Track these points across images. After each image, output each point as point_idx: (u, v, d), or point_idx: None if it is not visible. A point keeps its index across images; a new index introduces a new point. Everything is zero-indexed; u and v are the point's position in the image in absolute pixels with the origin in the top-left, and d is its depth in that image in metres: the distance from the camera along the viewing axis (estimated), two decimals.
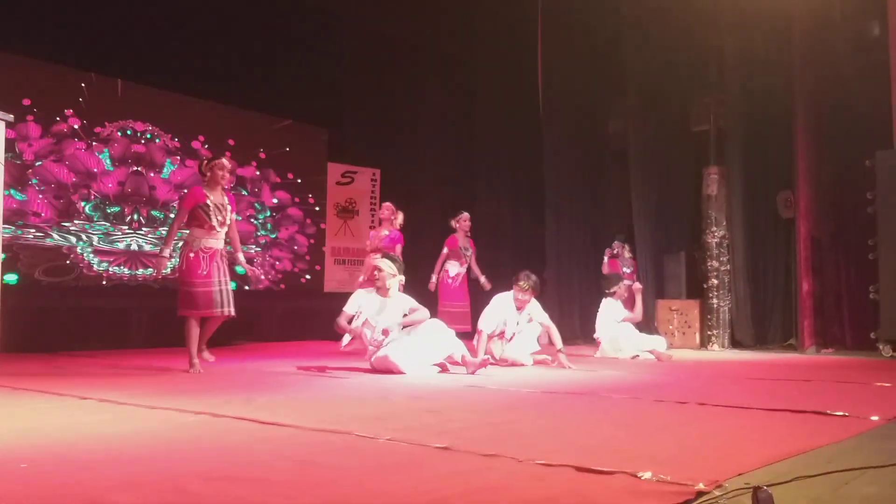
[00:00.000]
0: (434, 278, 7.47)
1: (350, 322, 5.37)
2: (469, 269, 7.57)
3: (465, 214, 7.62)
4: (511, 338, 6.14)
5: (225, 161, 5.51)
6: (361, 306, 5.42)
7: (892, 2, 7.30)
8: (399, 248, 7.05)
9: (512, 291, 6.09)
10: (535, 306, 6.14)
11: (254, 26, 8.92)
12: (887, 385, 4.47)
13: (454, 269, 7.51)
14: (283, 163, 9.60)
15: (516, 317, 6.12)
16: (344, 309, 5.43)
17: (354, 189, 10.31)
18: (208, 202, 5.33)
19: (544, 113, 9.47)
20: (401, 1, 9.38)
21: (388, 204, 7.43)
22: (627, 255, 8.77)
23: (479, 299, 7.06)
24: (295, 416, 3.12)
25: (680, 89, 9.07)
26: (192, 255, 5.27)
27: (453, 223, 7.58)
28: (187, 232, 5.36)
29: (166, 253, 5.40)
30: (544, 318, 6.13)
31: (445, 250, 7.54)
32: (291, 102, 9.46)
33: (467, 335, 6.37)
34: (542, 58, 9.43)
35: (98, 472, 2.16)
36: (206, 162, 5.56)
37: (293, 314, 9.36)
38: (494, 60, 10.08)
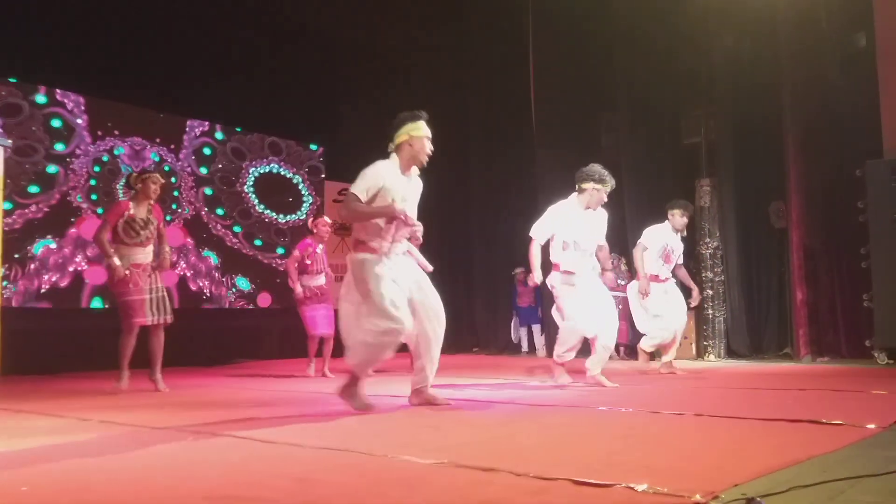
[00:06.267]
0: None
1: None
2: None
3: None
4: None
5: (158, 175, 5.40)
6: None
7: (879, 13, 7.39)
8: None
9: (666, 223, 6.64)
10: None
11: (249, 47, 8.99)
12: (883, 393, 4.48)
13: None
14: (280, 181, 9.63)
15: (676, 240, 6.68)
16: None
17: None
18: (133, 216, 5.25)
19: (537, 129, 9.53)
20: (394, 22, 9.46)
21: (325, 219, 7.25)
22: (623, 267, 8.80)
23: None
24: (295, 434, 3.14)
25: (671, 102, 9.13)
26: (124, 273, 5.21)
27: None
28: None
29: (116, 261, 5.22)
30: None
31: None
32: (288, 121, 9.52)
33: None
34: (534, 74, 9.50)
35: (99, 493, 2.17)
36: (136, 174, 5.42)
37: (293, 332, 9.34)
38: (486, 78, 10.17)
